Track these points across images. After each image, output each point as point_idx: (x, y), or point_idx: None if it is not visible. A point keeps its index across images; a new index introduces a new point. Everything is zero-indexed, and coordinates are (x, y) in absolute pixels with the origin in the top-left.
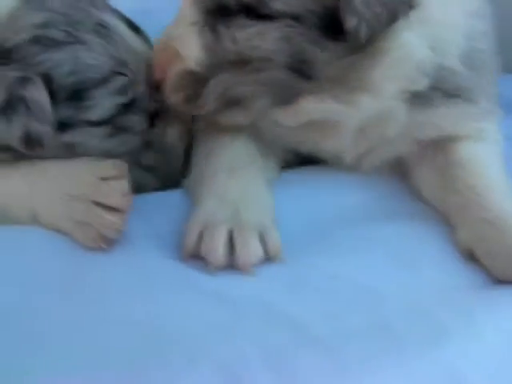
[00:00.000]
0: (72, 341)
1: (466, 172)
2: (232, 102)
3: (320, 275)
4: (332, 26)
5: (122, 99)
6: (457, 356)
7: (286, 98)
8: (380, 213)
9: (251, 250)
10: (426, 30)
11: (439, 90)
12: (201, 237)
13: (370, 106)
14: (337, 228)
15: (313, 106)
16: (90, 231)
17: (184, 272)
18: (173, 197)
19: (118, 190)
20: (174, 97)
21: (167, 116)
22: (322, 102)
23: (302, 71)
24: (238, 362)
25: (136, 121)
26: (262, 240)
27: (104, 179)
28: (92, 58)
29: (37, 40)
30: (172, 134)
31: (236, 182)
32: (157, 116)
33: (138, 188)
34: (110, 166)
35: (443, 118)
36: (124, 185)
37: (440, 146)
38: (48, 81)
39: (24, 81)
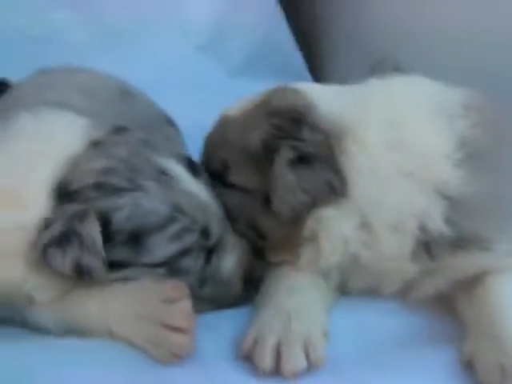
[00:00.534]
0: None
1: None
2: None
3: None
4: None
5: (179, 245)
6: None
7: (255, 252)
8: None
9: (294, 359)
10: (356, 209)
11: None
12: (255, 342)
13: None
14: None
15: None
16: (162, 349)
17: None
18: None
19: (182, 312)
20: None
21: (221, 249)
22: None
23: (257, 231)
24: None
25: (191, 264)
26: (307, 350)
27: (168, 300)
28: (151, 204)
29: (99, 186)
30: (227, 268)
31: (294, 297)
32: (213, 251)
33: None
34: (172, 287)
35: (454, 267)
36: (187, 306)
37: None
38: (106, 222)
39: (82, 216)
